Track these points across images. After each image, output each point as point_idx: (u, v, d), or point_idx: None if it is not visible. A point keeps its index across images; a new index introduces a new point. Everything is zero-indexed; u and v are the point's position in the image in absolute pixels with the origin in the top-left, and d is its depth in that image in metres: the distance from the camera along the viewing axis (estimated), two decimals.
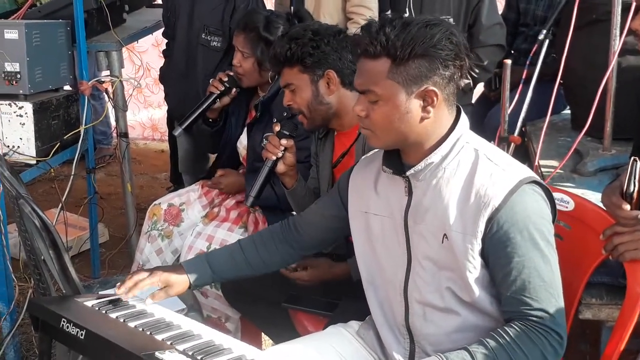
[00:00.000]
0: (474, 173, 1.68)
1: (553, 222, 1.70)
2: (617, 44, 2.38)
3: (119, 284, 1.92)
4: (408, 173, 1.74)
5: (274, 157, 2.34)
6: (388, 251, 1.81)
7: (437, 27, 1.65)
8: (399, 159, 1.78)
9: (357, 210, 1.89)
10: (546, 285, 1.64)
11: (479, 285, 1.68)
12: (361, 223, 1.87)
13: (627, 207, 1.82)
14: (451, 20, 3.17)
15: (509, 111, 2.68)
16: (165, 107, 5.71)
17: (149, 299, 1.88)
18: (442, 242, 1.69)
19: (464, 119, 1.74)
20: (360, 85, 1.71)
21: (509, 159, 1.73)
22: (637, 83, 2.58)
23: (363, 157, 1.98)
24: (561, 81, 2.51)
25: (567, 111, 3.31)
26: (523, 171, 1.68)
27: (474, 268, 1.67)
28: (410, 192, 1.76)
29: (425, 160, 1.71)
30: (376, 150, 1.88)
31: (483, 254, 1.66)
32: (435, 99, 1.66)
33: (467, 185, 1.67)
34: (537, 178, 1.69)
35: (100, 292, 2.08)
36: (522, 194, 1.64)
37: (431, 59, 1.64)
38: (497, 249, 1.64)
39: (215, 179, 2.94)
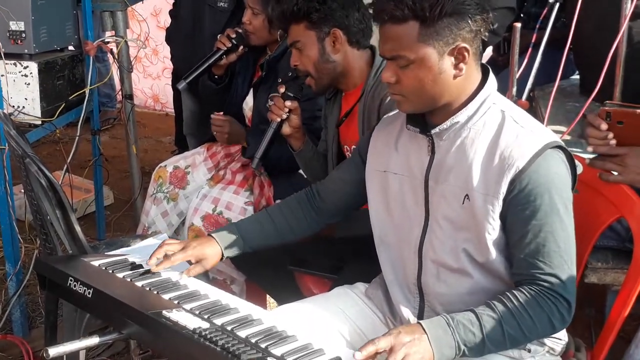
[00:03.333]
0: (499, 134, 1.67)
1: (572, 189, 1.70)
2: (628, 8, 2.35)
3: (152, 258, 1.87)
4: (432, 132, 1.73)
5: (279, 119, 2.34)
6: (405, 210, 1.81)
7: None
8: (422, 118, 1.77)
9: (375, 169, 1.89)
10: (561, 250, 1.63)
11: (495, 247, 1.68)
12: (379, 182, 1.87)
13: (604, 125, 1.80)
14: None
15: (517, 75, 2.66)
16: (164, 79, 5.75)
17: (184, 274, 1.84)
18: (463, 202, 1.69)
19: (492, 80, 1.73)
20: (389, 52, 1.68)
21: (535, 123, 1.72)
22: None
23: (385, 116, 1.96)
24: (571, 46, 2.48)
25: (576, 76, 3.29)
26: (549, 135, 1.68)
27: (493, 229, 1.67)
28: (432, 151, 1.75)
29: (451, 120, 1.70)
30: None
31: (502, 215, 1.66)
32: (466, 54, 1.65)
33: (492, 146, 1.67)
34: (562, 144, 1.68)
35: (106, 253, 2.10)
36: (546, 158, 1.63)
37: (460, 15, 1.62)
38: (516, 210, 1.64)
39: (219, 121, 2.84)
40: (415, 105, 1.72)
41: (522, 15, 3.71)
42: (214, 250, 1.93)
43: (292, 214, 2.05)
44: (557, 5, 2.81)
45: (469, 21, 1.63)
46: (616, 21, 2.40)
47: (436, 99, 1.70)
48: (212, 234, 1.98)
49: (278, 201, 2.54)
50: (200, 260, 1.89)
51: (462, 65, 1.67)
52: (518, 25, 2.60)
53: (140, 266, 1.89)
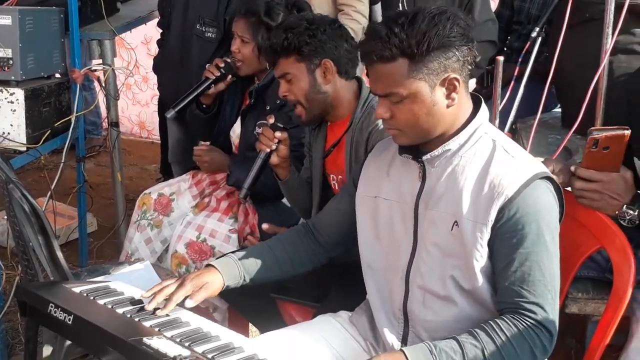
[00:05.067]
0: (490, 163, 1.69)
1: (560, 220, 1.71)
2: (609, 42, 2.38)
3: (146, 295, 1.80)
4: (424, 158, 1.74)
5: (268, 150, 2.34)
6: (393, 236, 1.81)
7: (443, 15, 1.65)
8: (415, 145, 1.78)
9: (365, 195, 1.89)
10: (545, 280, 1.64)
11: (483, 274, 1.69)
12: (369, 207, 1.87)
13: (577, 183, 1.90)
14: None
15: (500, 108, 2.69)
16: (153, 105, 5.75)
17: (188, 300, 1.79)
18: (452, 229, 1.69)
19: (484, 110, 1.75)
20: (382, 90, 1.70)
21: (524, 153, 1.74)
22: (627, 82, 2.58)
23: (378, 143, 1.97)
24: (552, 80, 2.51)
25: (558, 109, 3.32)
26: (538, 166, 1.70)
27: (481, 257, 1.67)
28: (424, 178, 1.76)
29: (442, 147, 1.72)
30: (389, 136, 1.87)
31: (490, 243, 1.67)
32: (457, 84, 1.68)
33: (483, 174, 1.68)
34: (550, 174, 1.70)
35: (87, 279, 2.07)
36: (535, 188, 1.65)
37: (446, 48, 1.65)
38: (503, 238, 1.65)
39: (199, 150, 2.88)
40: (412, 138, 1.74)
41: (504, 49, 3.76)
42: (214, 277, 1.87)
43: (293, 248, 2.02)
44: (539, 39, 2.84)
45: (456, 52, 1.66)
46: (597, 56, 2.43)
47: (431, 130, 1.71)
48: (212, 263, 1.92)
49: (263, 225, 2.52)
50: (202, 287, 1.83)
51: (453, 94, 1.69)
52: (501, 58, 2.63)
53: (140, 302, 1.82)
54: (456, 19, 1.66)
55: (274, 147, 2.34)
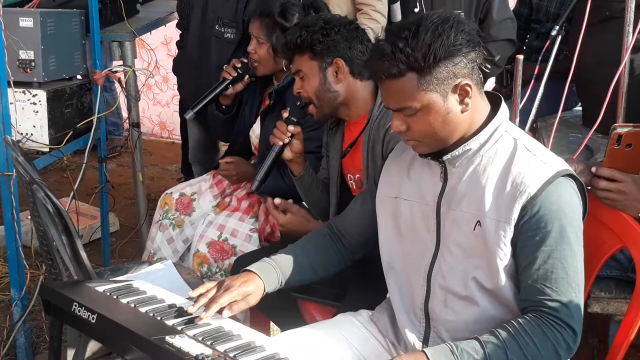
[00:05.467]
0: (511, 162, 1.68)
1: (583, 218, 1.70)
2: (630, 41, 2.36)
3: (192, 295, 1.79)
4: (445, 158, 1.74)
5: (281, 143, 2.35)
6: (415, 236, 1.81)
7: (446, 24, 1.63)
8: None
9: (386, 195, 1.89)
10: (569, 278, 1.63)
11: (506, 273, 1.67)
12: (390, 208, 1.87)
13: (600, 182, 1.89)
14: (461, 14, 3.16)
15: (520, 107, 2.67)
16: (173, 106, 5.77)
17: (226, 310, 1.76)
18: (474, 229, 1.69)
19: (504, 109, 1.74)
20: (395, 105, 1.70)
21: (547, 151, 1.73)
22: None
23: (398, 144, 1.96)
24: (573, 78, 2.49)
25: (578, 108, 3.30)
26: (560, 164, 1.68)
27: (505, 255, 1.66)
28: (445, 178, 1.76)
29: (463, 147, 1.71)
30: None
31: (513, 241, 1.66)
32: (469, 89, 1.67)
33: (504, 173, 1.67)
34: (574, 172, 1.69)
35: (110, 279, 2.09)
36: (558, 186, 1.64)
37: (453, 57, 1.64)
38: (526, 236, 1.64)
39: (225, 166, 2.89)
40: (432, 146, 1.73)
41: (524, 47, 3.74)
42: (257, 286, 1.85)
43: (324, 250, 2.02)
44: (559, 38, 2.82)
45: (463, 58, 1.65)
46: (617, 54, 2.41)
47: (449, 137, 1.71)
48: (253, 270, 1.89)
49: (275, 200, 2.41)
50: (245, 297, 1.82)
51: (467, 99, 1.68)
52: (521, 57, 2.62)
53: (182, 311, 1.78)
54: (460, 25, 1.64)
55: (287, 140, 2.35)
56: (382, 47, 1.66)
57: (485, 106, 1.74)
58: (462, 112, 1.69)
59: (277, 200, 2.35)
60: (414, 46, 1.62)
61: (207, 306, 1.74)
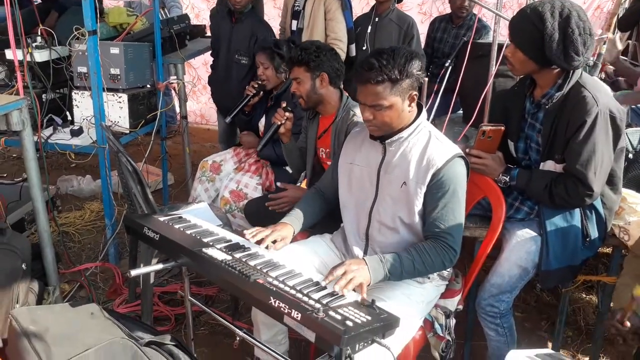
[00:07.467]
0: (427, 146, 1.67)
1: (466, 182, 1.70)
2: (493, 69, 2.36)
3: (248, 234, 1.68)
4: (386, 141, 1.72)
5: (279, 122, 2.30)
6: (362, 189, 1.79)
7: (413, 54, 1.61)
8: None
9: (345, 162, 1.85)
10: (455, 219, 1.64)
11: (418, 214, 1.68)
12: (347, 170, 1.84)
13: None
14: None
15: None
16: (209, 104, 5.62)
17: (272, 249, 1.67)
18: (401, 187, 1.68)
19: (424, 112, 1.72)
20: (370, 102, 1.62)
21: (448, 140, 1.72)
22: (504, 95, 2.55)
23: (353, 130, 1.91)
24: (458, 93, 2.49)
25: (460, 111, 3.29)
26: (456, 148, 1.68)
27: (419, 204, 1.67)
28: (385, 153, 1.73)
29: (398, 135, 1.69)
30: (362, 124, 1.82)
31: (425, 196, 1.66)
32: (415, 97, 1.64)
33: (422, 152, 1.66)
34: (463, 154, 1.68)
35: (168, 212, 2.04)
36: (454, 162, 1.64)
37: (414, 75, 1.61)
38: (432, 193, 1.64)
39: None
40: (383, 131, 1.69)
41: (428, 74, 3.70)
42: (289, 231, 1.76)
43: (320, 203, 1.94)
44: (450, 68, 2.81)
45: (418, 78, 1.62)
46: (485, 78, 2.40)
47: (396, 127, 1.68)
48: (285, 221, 1.79)
49: (278, 184, 2.49)
50: (283, 238, 1.73)
51: (412, 104, 1.66)
52: (426, 79, 2.58)
53: (237, 245, 1.67)
54: (420, 57, 1.62)
55: (283, 121, 2.29)
56: (371, 62, 1.60)
57: (416, 110, 1.71)
58: (408, 112, 1.66)
59: (280, 184, 2.35)
60: (393, 64, 1.58)
61: (260, 242, 1.66)
